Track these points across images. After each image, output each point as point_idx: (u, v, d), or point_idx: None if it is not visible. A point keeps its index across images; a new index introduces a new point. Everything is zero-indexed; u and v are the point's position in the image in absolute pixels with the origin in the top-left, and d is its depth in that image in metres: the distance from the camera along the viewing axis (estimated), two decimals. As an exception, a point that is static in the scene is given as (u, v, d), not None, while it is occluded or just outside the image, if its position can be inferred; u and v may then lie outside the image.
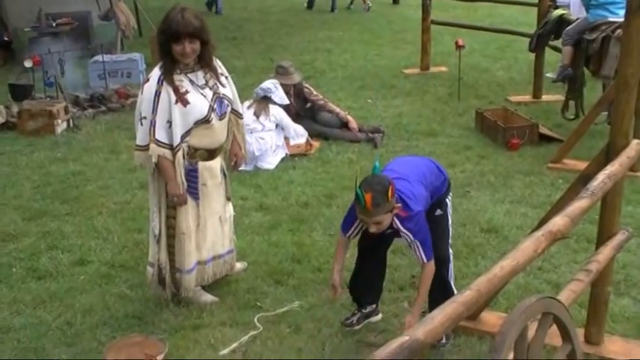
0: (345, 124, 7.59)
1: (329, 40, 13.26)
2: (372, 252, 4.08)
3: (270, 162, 6.87)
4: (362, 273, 4.16)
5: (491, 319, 4.11)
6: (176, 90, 3.97)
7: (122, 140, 7.63)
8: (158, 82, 3.99)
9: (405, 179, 3.78)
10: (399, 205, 3.63)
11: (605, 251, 3.49)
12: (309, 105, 7.75)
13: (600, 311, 3.86)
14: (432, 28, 10.52)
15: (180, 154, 4.04)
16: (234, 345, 4.02)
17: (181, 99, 3.97)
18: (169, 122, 3.99)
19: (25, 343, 4.10)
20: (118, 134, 7.89)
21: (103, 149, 7.46)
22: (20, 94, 8.58)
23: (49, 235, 5.45)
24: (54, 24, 11.83)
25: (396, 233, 3.77)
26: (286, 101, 7.29)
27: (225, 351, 3.97)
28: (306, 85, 7.87)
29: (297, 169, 6.77)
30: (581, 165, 5.70)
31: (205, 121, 4.06)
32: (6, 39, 11.85)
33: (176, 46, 3.94)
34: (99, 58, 9.66)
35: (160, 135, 3.99)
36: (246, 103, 7.10)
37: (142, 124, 4.05)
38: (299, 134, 7.23)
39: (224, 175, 4.45)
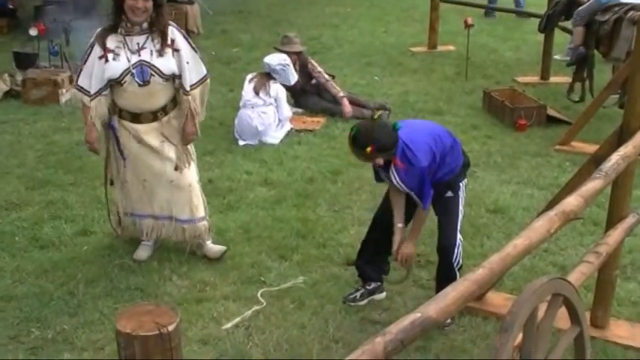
0: (350, 102, 7.48)
1: (336, 16, 13.13)
2: (383, 224, 4.04)
3: (275, 136, 6.80)
4: (369, 244, 4.15)
5: (497, 299, 4.09)
6: (104, 46, 4.22)
7: (126, 111, 7.55)
8: (95, 37, 4.29)
9: (412, 130, 3.75)
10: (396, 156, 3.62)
11: (615, 234, 3.44)
12: (314, 81, 7.65)
13: (607, 295, 3.85)
14: (441, 6, 10.43)
15: (95, 103, 4.29)
16: (238, 319, 4.01)
17: (105, 56, 4.21)
18: (92, 73, 4.27)
19: (28, 312, 4.09)
20: (122, 105, 7.81)
21: (107, 120, 7.40)
22: (25, 63, 8.48)
23: (52, 205, 5.42)
24: (59, -8, 11.70)
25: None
26: (292, 82, 7.14)
27: (228, 325, 3.96)
28: (311, 61, 7.75)
29: (302, 145, 6.72)
30: (589, 147, 5.68)
31: (118, 82, 4.23)
32: (11, 7, 11.73)
33: (129, 0, 4.10)
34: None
35: (83, 82, 4.32)
36: (249, 76, 7.02)
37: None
38: (284, 120, 6.97)
39: (172, 144, 4.42)
